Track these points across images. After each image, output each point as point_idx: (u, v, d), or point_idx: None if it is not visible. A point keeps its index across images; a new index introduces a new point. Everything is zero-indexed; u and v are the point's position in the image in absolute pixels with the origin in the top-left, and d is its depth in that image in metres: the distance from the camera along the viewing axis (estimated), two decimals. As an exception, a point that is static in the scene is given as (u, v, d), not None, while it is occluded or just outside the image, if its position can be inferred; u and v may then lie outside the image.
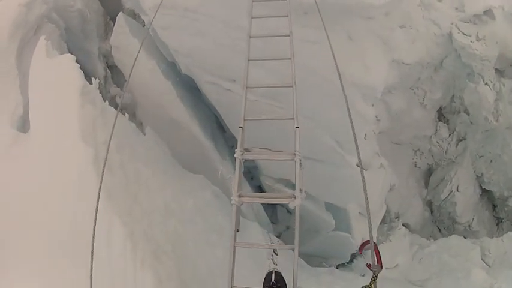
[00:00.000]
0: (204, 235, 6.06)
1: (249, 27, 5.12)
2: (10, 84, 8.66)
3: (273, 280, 3.36)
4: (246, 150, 3.48)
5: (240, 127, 3.56)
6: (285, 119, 3.83)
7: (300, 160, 3.39)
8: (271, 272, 3.46)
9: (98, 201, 3.16)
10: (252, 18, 5.39)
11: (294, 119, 3.73)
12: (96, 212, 3.15)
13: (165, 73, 9.78)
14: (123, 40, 10.57)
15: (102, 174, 3.37)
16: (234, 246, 3.45)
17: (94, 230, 3.10)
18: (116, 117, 3.83)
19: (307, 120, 7.72)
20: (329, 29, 7.73)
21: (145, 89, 10.30)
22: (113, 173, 5.30)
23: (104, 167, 3.44)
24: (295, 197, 3.31)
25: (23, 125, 7.81)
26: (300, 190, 3.36)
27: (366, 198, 3.20)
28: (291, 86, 4.05)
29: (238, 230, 3.55)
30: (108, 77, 12.95)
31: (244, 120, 3.73)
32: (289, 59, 4.47)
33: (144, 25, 10.60)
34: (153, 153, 6.99)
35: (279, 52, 4.92)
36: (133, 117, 12.62)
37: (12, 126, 7.59)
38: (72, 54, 11.28)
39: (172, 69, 9.92)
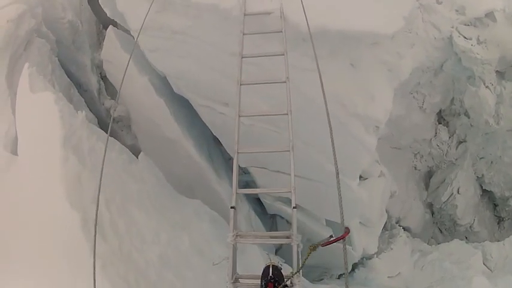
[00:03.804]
0: (202, 277, 5.78)
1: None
2: (1, 104, 8.33)
3: (270, 274, 3.17)
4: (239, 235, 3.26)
5: (231, 207, 3.31)
6: (282, 192, 3.58)
7: (298, 244, 3.19)
8: (268, 266, 3.26)
9: None
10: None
11: (291, 190, 3.48)
12: None
13: (158, 90, 9.47)
14: (114, 54, 10.26)
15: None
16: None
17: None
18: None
19: (307, 146, 7.50)
20: (331, 58, 7.47)
21: (138, 106, 10.04)
22: (104, 236, 4.99)
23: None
24: (293, 285, 3.12)
25: (16, 147, 7.48)
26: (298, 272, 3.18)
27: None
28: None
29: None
30: (102, 89, 12.62)
31: (237, 194, 3.48)
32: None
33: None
34: (147, 187, 6.64)
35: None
36: (128, 129, 12.36)
37: (5, 149, 7.27)
38: (63, 68, 11.09)
39: (166, 85, 9.60)
